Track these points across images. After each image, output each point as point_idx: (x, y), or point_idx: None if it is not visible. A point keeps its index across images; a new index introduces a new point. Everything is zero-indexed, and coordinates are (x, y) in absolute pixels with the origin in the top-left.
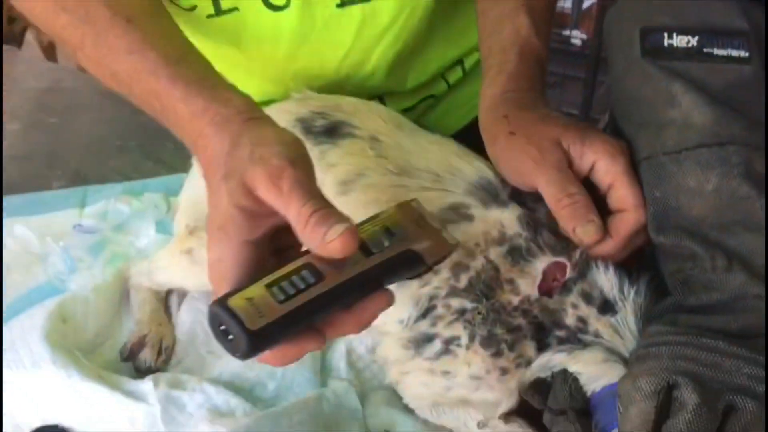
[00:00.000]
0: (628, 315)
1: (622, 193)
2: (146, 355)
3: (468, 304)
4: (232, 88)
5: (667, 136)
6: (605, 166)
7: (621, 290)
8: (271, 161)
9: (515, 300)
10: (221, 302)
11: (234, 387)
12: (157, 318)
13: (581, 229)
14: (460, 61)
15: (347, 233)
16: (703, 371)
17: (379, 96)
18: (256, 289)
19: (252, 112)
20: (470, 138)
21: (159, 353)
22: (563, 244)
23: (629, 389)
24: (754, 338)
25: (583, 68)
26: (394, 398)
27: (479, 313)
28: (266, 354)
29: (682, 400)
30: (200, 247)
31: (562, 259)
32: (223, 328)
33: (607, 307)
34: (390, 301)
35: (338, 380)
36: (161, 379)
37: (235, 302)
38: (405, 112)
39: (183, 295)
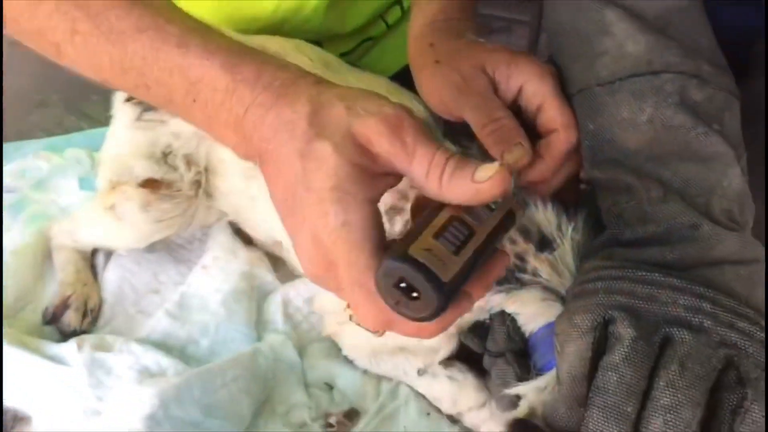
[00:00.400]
0: (565, 252)
1: (551, 114)
2: (70, 318)
3: None
4: (272, 57)
5: (601, 67)
6: (533, 88)
7: (559, 227)
8: (384, 111)
9: None
10: (402, 255)
11: (165, 346)
12: (82, 278)
13: (509, 153)
14: (398, 0)
15: (501, 170)
16: (639, 304)
17: (317, 42)
18: (427, 241)
19: (314, 76)
20: (409, 78)
21: (84, 315)
22: None
23: (566, 327)
24: (691, 269)
25: (529, 12)
26: (334, 350)
27: None
28: (431, 324)
29: (618, 334)
30: (124, 202)
31: None
32: (403, 285)
33: (544, 243)
34: (509, 260)
35: (275, 334)
36: (86, 342)
37: (417, 253)
38: (343, 56)
39: (109, 254)
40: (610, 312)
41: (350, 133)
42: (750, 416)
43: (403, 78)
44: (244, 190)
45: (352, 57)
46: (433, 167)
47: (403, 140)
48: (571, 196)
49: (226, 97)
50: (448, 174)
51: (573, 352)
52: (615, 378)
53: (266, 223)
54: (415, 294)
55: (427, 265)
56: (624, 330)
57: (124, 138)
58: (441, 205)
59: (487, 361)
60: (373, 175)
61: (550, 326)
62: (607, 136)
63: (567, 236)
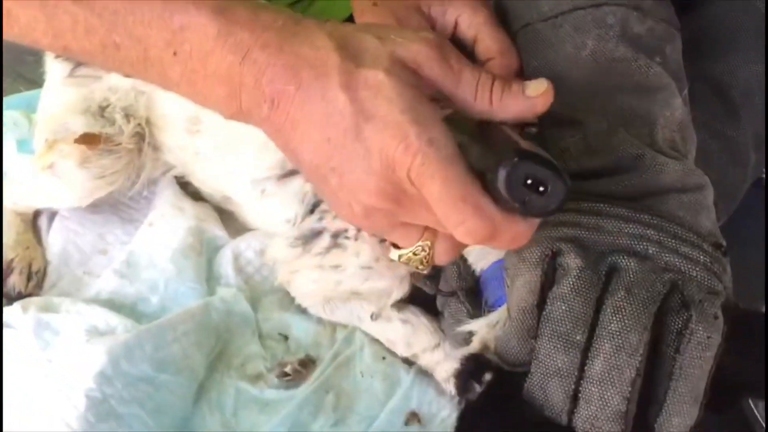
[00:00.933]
0: None
1: (487, 43)
2: (14, 281)
3: None
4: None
5: (543, 2)
6: (467, 20)
7: None
8: (425, 36)
9: None
10: (524, 152)
11: (114, 305)
12: (24, 241)
13: None
14: None
15: (550, 86)
16: (586, 235)
17: None
18: (523, 141)
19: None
20: None
21: (29, 278)
22: None
23: (515, 261)
24: (636, 199)
25: None
26: (287, 301)
27: None
28: (529, 228)
29: (566, 265)
30: (61, 161)
31: None
32: (529, 182)
33: None
34: None
35: (226, 287)
36: (31, 304)
37: (532, 149)
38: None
39: (53, 216)
40: (557, 244)
41: (398, 59)
42: (695, 337)
43: None
44: (188, 146)
45: (297, 9)
46: (481, 87)
47: (450, 63)
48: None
49: (217, 43)
50: (498, 92)
51: (522, 285)
52: (564, 308)
53: (213, 177)
54: (542, 188)
55: (549, 158)
56: (571, 261)
57: (58, 95)
58: (486, 122)
59: (439, 301)
60: (427, 99)
61: (500, 263)
62: (551, 72)
63: None
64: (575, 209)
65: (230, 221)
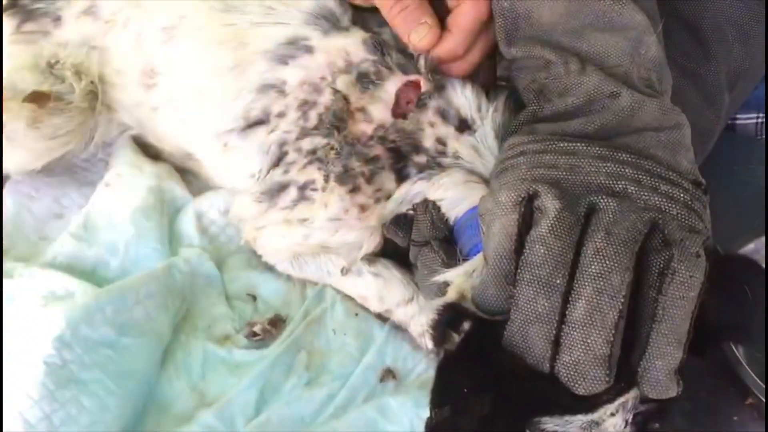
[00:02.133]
0: (486, 132)
1: None
2: None
3: (320, 142)
4: None
5: None
6: None
7: (479, 108)
8: None
9: (369, 129)
10: None
11: (72, 270)
12: None
13: (414, 33)
14: None
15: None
16: (563, 176)
17: None
18: None
19: None
20: None
21: None
22: (413, 61)
23: (491, 206)
24: (613, 138)
25: None
26: (254, 260)
27: (332, 149)
28: None
29: (544, 207)
30: (11, 121)
31: (413, 77)
32: None
33: (464, 125)
34: None
35: (190, 248)
36: None
37: None
38: None
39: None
40: (534, 186)
41: None
42: (677, 277)
43: None
44: (144, 102)
45: None
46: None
47: None
48: (490, 78)
49: None
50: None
51: (499, 230)
52: (542, 251)
53: (172, 133)
54: None
55: None
56: (549, 203)
57: (5, 53)
58: None
59: (412, 252)
60: None
61: (474, 209)
62: (521, 12)
63: (488, 117)
64: (551, 149)
65: (192, 180)
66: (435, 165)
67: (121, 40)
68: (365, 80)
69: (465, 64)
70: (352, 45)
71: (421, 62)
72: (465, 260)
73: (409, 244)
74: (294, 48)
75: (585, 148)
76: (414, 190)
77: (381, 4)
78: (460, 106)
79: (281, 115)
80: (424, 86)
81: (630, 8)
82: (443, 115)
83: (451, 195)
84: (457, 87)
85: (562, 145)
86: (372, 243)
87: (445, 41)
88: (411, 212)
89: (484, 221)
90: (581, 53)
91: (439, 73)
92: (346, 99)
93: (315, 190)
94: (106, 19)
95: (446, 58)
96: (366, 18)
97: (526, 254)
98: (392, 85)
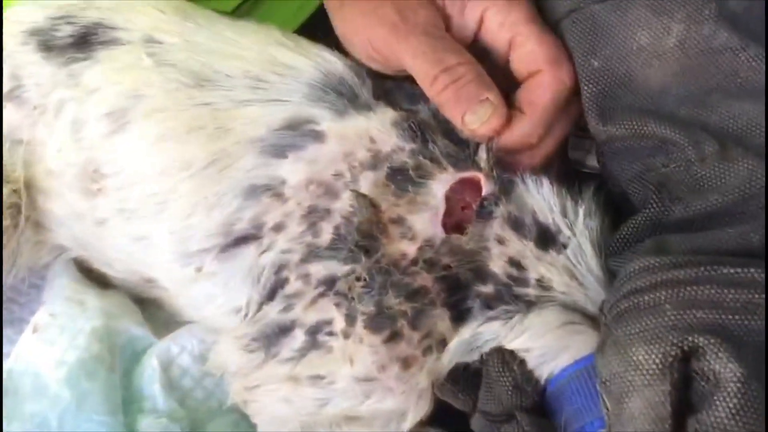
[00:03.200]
0: (583, 248)
1: (528, 48)
2: None
3: (339, 268)
4: None
5: None
6: (500, 18)
7: (563, 212)
8: None
9: (411, 249)
10: None
11: None
12: None
13: (472, 114)
14: None
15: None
16: (735, 321)
17: None
18: None
19: None
20: (312, 35)
21: None
22: (469, 151)
23: (619, 369)
24: None
25: None
26: (244, 425)
27: (358, 279)
28: None
29: (715, 374)
30: None
31: (469, 174)
32: None
33: (548, 238)
34: None
35: (153, 416)
36: None
37: None
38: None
39: None
40: (690, 338)
41: None
42: None
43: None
44: (86, 213)
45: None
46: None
47: None
48: (561, 167)
49: None
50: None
51: (642, 409)
52: None
53: (125, 255)
54: None
55: None
56: (722, 366)
57: None
58: None
59: (480, 424)
60: None
61: (579, 364)
62: (619, 73)
63: (578, 224)
64: (710, 278)
65: (155, 314)
66: (512, 299)
67: (54, 132)
68: (401, 179)
69: (539, 153)
70: (379, 128)
71: (482, 154)
72: None
73: (483, 416)
74: (296, 135)
75: (758, 274)
76: (483, 334)
77: (420, 71)
78: (537, 211)
79: (278, 228)
80: (487, 187)
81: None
82: (515, 225)
83: (544, 343)
84: (530, 184)
85: (724, 270)
86: (420, 410)
87: (517, 125)
88: (479, 364)
89: (608, 391)
90: (713, 129)
91: (503, 167)
92: (374, 206)
93: (333, 335)
94: (35, 103)
95: (517, 147)
96: (391, 91)
97: None
98: (439, 184)
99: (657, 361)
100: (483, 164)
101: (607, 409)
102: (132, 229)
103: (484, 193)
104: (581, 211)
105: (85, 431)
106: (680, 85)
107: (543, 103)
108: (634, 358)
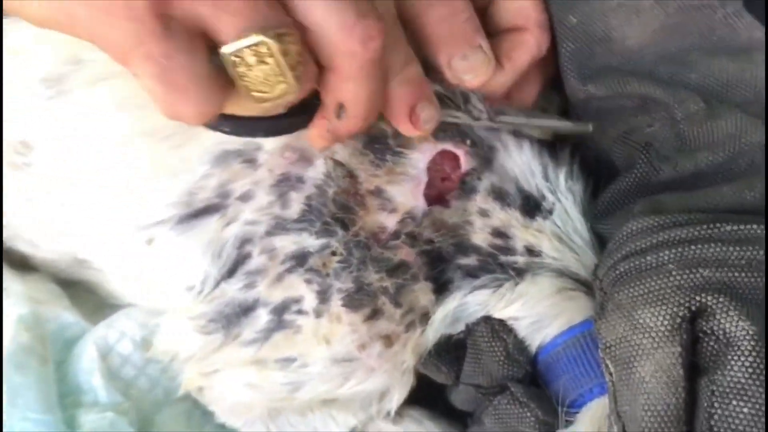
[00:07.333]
0: (569, 211)
1: (520, 3)
2: None
3: (311, 242)
4: None
5: None
6: None
7: (545, 175)
8: None
9: (391, 222)
10: None
11: None
12: None
13: (461, 60)
14: None
15: None
16: (741, 278)
17: None
18: None
19: None
20: None
21: None
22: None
23: (625, 333)
24: None
25: None
26: (198, 414)
27: (334, 254)
28: None
29: (725, 333)
30: None
31: (450, 146)
32: None
33: (532, 204)
34: None
35: (95, 410)
36: None
37: None
38: None
39: None
40: (697, 298)
41: None
42: None
43: None
44: (11, 190)
45: None
46: None
47: None
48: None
49: None
50: None
51: (651, 372)
52: (746, 410)
53: (57, 232)
54: None
55: None
56: (733, 324)
57: None
58: None
59: (464, 397)
60: None
61: (576, 331)
62: (598, 31)
63: (561, 187)
64: (713, 237)
65: (87, 298)
66: (497, 267)
67: None
68: (378, 147)
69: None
70: None
71: (477, 103)
72: (571, 414)
73: (474, 386)
74: None
75: (758, 230)
76: (469, 306)
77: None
78: (520, 178)
79: (245, 197)
80: (467, 163)
81: (749, 21)
82: (499, 196)
83: (537, 310)
84: (511, 148)
85: (727, 228)
86: (405, 389)
87: (495, 79)
88: (463, 336)
89: (613, 356)
90: (692, 86)
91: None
92: (351, 175)
93: (301, 313)
94: None
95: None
96: None
97: (715, 418)
98: (420, 154)
99: (665, 322)
100: (477, 114)
101: (611, 374)
102: (70, 201)
103: (463, 169)
104: (562, 175)
105: (17, 430)
106: (659, 43)
107: (522, 62)
108: (641, 320)
